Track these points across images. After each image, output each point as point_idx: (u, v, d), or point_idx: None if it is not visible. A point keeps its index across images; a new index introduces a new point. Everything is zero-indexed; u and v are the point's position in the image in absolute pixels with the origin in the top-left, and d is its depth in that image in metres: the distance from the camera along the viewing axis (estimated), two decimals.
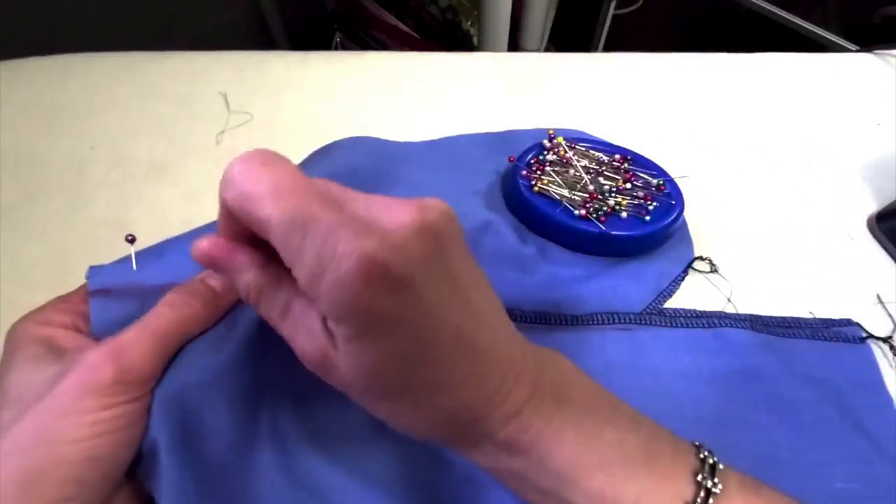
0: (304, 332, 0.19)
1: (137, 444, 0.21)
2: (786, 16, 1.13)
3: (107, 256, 0.26)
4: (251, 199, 0.17)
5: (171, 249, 0.25)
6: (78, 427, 0.19)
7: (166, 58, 0.47)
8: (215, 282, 0.23)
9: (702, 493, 0.19)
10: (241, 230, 0.19)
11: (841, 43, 1.07)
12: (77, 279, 0.25)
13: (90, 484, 0.19)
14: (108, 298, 0.23)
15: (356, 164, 0.37)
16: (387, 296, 0.16)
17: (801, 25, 1.12)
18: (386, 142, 0.41)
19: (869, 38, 0.57)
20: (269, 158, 0.18)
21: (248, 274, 0.19)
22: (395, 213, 0.17)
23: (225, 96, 0.45)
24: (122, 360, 0.20)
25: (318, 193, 0.17)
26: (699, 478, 0.20)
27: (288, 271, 0.18)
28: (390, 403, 0.19)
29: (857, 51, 0.53)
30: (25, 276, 0.35)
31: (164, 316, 0.22)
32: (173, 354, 0.22)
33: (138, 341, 0.21)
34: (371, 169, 0.37)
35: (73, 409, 0.19)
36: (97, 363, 0.20)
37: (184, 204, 0.38)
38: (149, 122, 0.43)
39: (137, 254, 0.24)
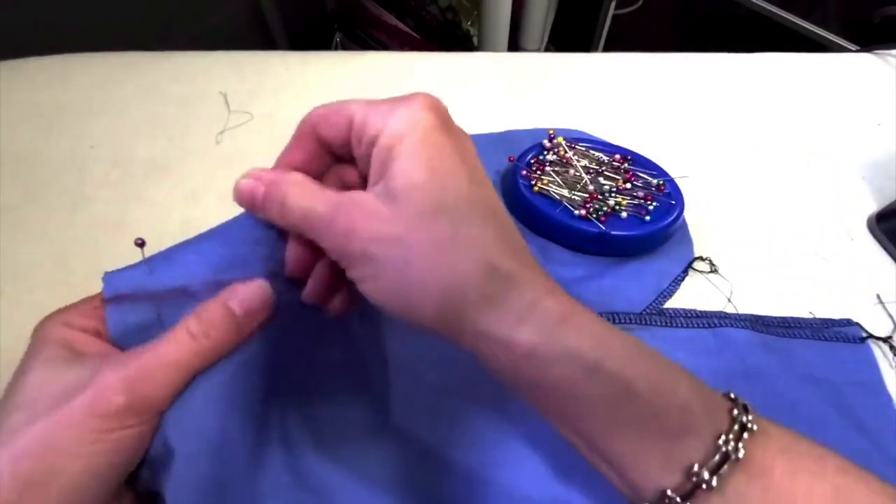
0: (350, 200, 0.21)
1: (139, 460, 0.21)
2: (786, 16, 1.13)
3: (106, 256, 0.26)
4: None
5: (182, 253, 0.25)
6: (81, 443, 0.19)
7: (166, 58, 0.47)
8: (235, 303, 0.22)
9: (743, 417, 0.21)
10: (314, 148, 0.26)
11: (841, 43, 1.07)
12: (77, 279, 0.25)
13: (91, 495, 0.20)
14: (124, 304, 0.23)
15: None
16: (442, 129, 0.21)
17: (801, 25, 1.12)
18: None
19: (869, 38, 0.57)
20: None
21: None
22: None
23: (225, 96, 0.45)
24: (136, 389, 0.20)
25: None
26: (734, 412, 0.21)
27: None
28: (427, 236, 0.20)
29: (857, 51, 0.53)
30: (25, 276, 0.34)
31: (184, 346, 0.21)
32: (189, 382, 0.22)
33: (155, 373, 0.21)
34: None
35: (78, 425, 0.19)
36: (110, 388, 0.20)
37: (184, 204, 0.38)
38: (149, 122, 0.43)
39: (147, 260, 0.24)
